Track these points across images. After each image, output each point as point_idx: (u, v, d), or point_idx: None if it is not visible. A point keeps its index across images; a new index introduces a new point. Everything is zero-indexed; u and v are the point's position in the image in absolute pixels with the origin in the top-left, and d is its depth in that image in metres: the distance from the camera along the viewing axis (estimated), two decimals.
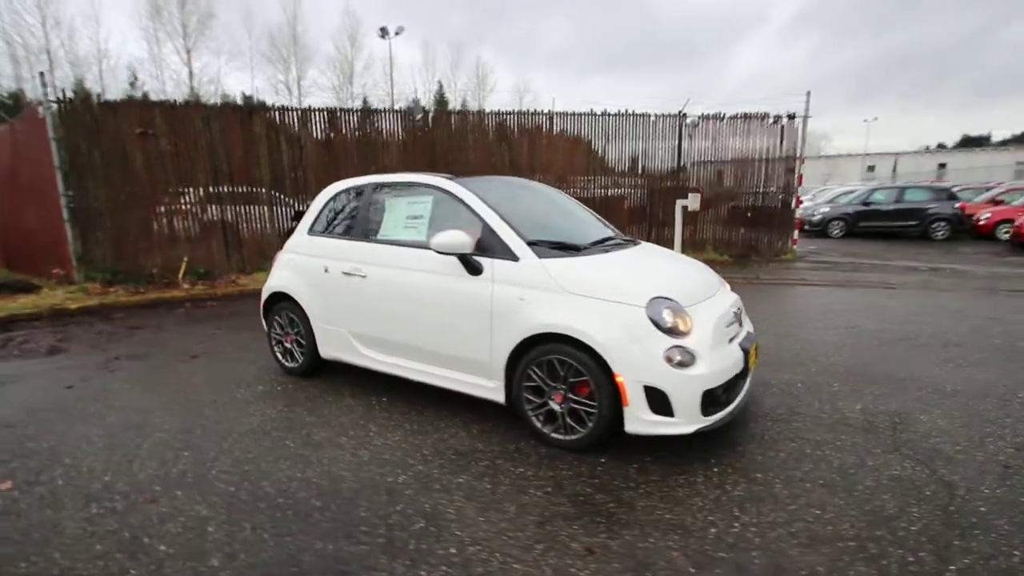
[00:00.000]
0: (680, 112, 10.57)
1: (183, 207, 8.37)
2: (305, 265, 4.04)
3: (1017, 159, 34.77)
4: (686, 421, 2.65)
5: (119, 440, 3.20)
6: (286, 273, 4.18)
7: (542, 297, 2.90)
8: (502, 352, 3.03)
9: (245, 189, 8.79)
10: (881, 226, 14.93)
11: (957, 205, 14.21)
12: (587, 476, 2.68)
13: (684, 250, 8.89)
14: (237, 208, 8.71)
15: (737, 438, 3.03)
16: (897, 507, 2.36)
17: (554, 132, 10.30)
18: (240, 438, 3.19)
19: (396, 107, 10.04)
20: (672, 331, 2.69)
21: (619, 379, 2.66)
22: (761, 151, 10.68)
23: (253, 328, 5.82)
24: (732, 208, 10.95)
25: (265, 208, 8.95)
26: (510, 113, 10.17)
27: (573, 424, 2.88)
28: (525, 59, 68.56)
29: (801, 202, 11.55)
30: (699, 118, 10.62)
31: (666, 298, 2.78)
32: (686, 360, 2.64)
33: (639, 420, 2.68)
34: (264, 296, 4.35)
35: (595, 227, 3.83)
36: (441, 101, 35.74)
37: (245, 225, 8.82)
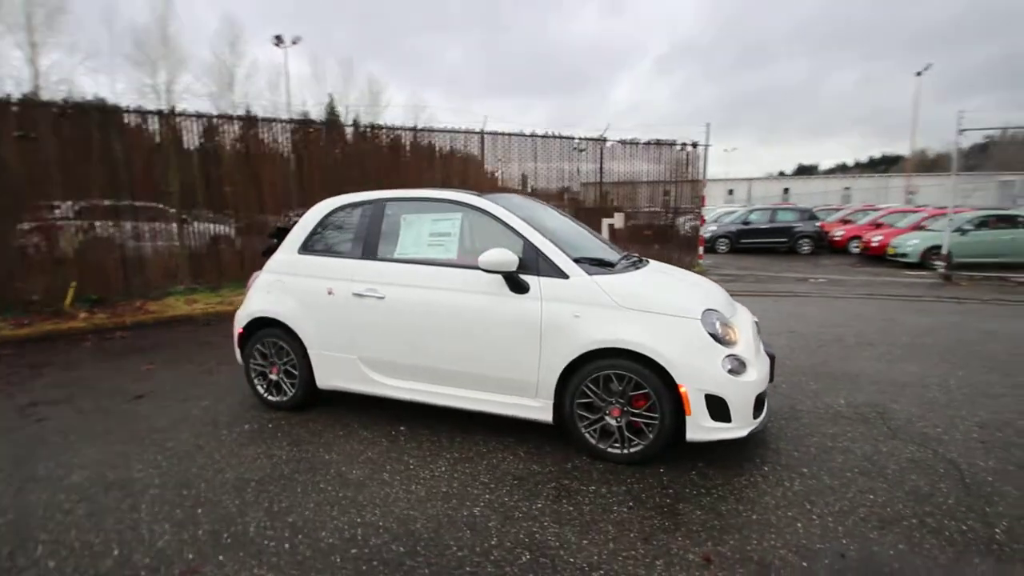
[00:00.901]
0: (601, 136, 11.22)
1: (66, 222, 7.15)
2: (299, 287, 3.68)
3: (844, 185, 41.48)
4: (741, 425, 2.82)
5: (102, 504, 2.66)
6: (273, 296, 3.76)
7: (599, 313, 2.93)
8: (554, 370, 3.00)
9: (147, 203, 7.74)
10: (758, 242, 16.94)
11: (818, 224, 16.60)
12: (659, 487, 2.74)
13: None
14: (139, 224, 7.63)
15: (766, 438, 3.27)
16: (928, 485, 2.71)
17: (484, 152, 10.40)
18: (261, 486, 2.81)
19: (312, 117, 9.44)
20: (724, 341, 2.86)
21: (682, 389, 2.77)
22: (670, 174, 11.65)
23: (197, 360, 5.16)
24: (647, 227, 11.79)
25: (174, 225, 7.95)
26: (441, 131, 10.08)
27: (631, 437, 2.92)
28: (416, 78, 68.47)
29: (705, 221, 12.75)
30: (617, 142, 11.35)
31: (715, 310, 2.96)
32: (738, 368, 2.82)
33: (700, 428, 2.80)
34: (242, 323, 3.87)
35: (602, 244, 3.94)
36: (332, 115, 34.29)
37: (148, 243, 7.76)
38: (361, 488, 2.78)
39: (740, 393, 2.79)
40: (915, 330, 6.10)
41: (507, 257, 2.98)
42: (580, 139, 11.08)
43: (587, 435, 3.00)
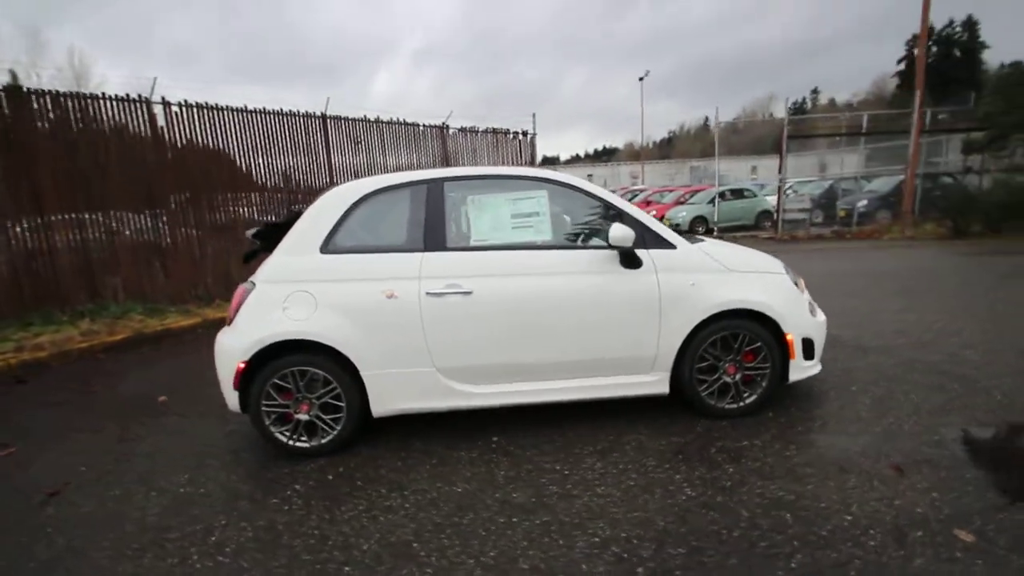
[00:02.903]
0: (444, 124, 11.04)
1: None
2: (338, 295, 2.90)
3: (587, 172, 48.68)
4: (816, 362, 3.30)
5: None
6: (298, 312, 2.88)
7: (711, 278, 3.06)
8: (675, 340, 3.04)
9: None
10: None
11: None
12: (790, 427, 3.03)
13: None
14: None
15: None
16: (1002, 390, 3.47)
17: (329, 138, 9.28)
18: (433, 546, 2.21)
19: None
20: (801, 289, 3.29)
21: (789, 337, 3.11)
22: (508, 162, 12.15)
23: (74, 418, 3.63)
24: None
25: None
26: (275, 114, 8.62)
27: (745, 390, 3.16)
28: (139, 56, 55.70)
29: None
30: (458, 130, 11.32)
31: (785, 265, 3.36)
32: (813, 311, 3.29)
33: (799, 369, 3.19)
34: (246, 355, 2.87)
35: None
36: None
37: None
38: (545, 507, 2.41)
39: (820, 332, 3.26)
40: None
41: (627, 233, 2.88)
42: (424, 126, 10.73)
43: (705, 397, 3.13)
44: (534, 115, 12.53)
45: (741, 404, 3.15)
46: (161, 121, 7.39)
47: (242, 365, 2.88)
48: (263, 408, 2.94)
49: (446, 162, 11.19)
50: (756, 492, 2.43)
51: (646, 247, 3.03)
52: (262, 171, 8.46)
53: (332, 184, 9.39)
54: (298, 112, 8.78)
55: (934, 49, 58.33)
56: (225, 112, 7.91)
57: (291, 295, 2.90)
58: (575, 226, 3.14)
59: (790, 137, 13.03)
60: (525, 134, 12.38)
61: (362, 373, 2.92)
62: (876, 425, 2.99)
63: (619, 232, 2.85)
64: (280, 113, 8.57)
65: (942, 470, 2.51)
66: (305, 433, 2.98)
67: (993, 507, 2.22)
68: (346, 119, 9.45)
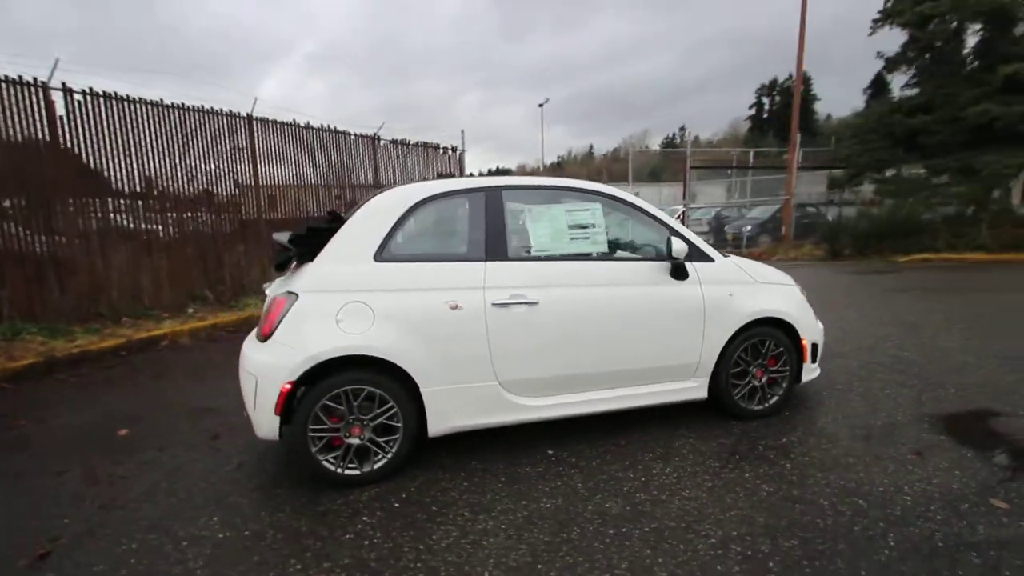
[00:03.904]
0: (375, 135, 10.66)
1: None
2: (398, 307, 2.70)
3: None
4: (817, 365, 3.69)
5: None
6: (356, 325, 2.63)
7: (745, 289, 3.31)
8: (716, 347, 3.23)
9: None
10: None
11: None
12: (825, 426, 3.34)
13: None
14: None
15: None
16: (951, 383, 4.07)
17: (255, 142, 8.53)
18: (546, 564, 2.13)
19: None
20: (807, 300, 3.67)
21: (804, 342, 3.45)
22: (440, 175, 12.02)
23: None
24: None
25: None
26: (199, 111, 7.76)
27: (770, 392, 3.43)
28: None
29: None
30: (389, 142, 11.01)
31: (792, 278, 3.73)
32: (816, 320, 3.68)
33: (809, 371, 3.54)
34: (293, 373, 2.55)
35: None
36: None
37: None
38: (644, 515, 2.43)
39: (821, 338, 3.64)
40: None
41: (684, 246, 3.04)
42: (355, 135, 10.27)
43: (739, 400, 3.35)
44: (463, 132, 12.57)
45: (766, 405, 3.42)
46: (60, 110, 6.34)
47: (288, 386, 2.55)
48: (310, 434, 2.62)
49: (376, 174, 10.80)
50: (822, 483, 2.65)
51: (691, 260, 3.20)
52: (178, 175, 7.54)
53: (258, 192, 8.65)
54: (222, 111, 8.00)
55: (777, 99, 67.91)
56: (138, 105, 6.98)
57: (344, 306, 2.64)
58: (626, 238, 3.23)
59: (693, 167, 14.39)
60: (455, 149, 12.36)
61: (422, 389, 2.73)
62: (876, 418, 3.40)
63: (679, 245, 2.99)
64: (201, 111, 7.73)
65: (949, 452, 2.93)
66: (355, 459, 2.71)
67: (1005, 479, 2.64)
68: (274, 122, 8.78)
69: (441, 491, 2.68)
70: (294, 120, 9.11)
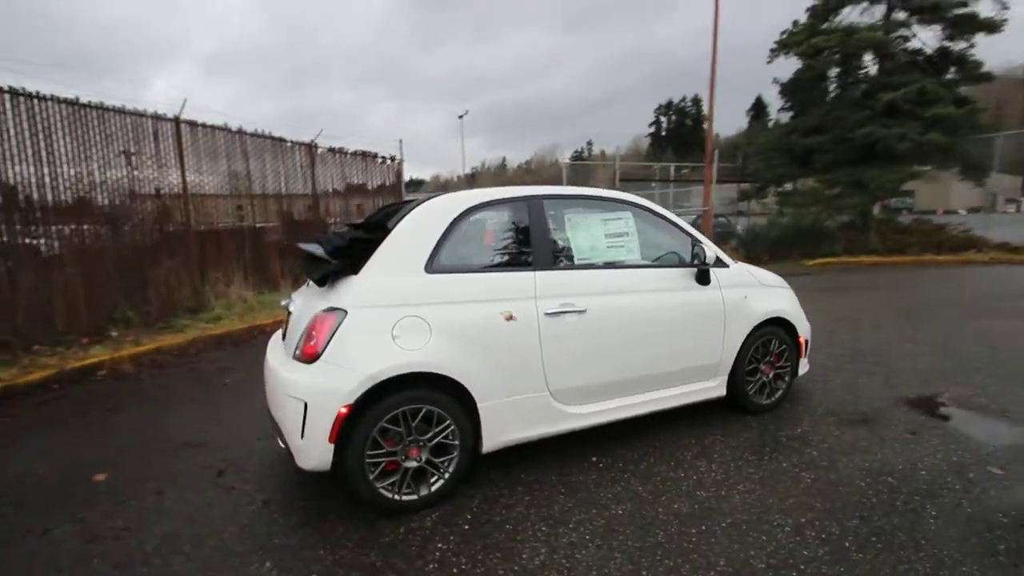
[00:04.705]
0: (312, 142, 10.13)
1: None
2: (454, 319, 2.60)
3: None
4: (807, 360, 4.02)
5: None
6: (413, 340, 2.49)
7: (754, 292, 3.54)
8: (734, 347, 3.42)
9: None
10: None
11: None
12: (826, 415, 3.63)
13: None
14: None
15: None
16: (909, 370, 4.59)
17: (183, 147, 7.79)
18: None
19: None
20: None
21: (801, 339, 3.75)
22: (375, 187, 11.67)
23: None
24: None
25: None
26: (120, 112, 6.94)
27: (776, 387, 3.68)
28: None
29: None
30: (327, 150, 10.51)
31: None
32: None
33: (803, 366, 3.85)
34: (352, 396, 2.37)
35: None
36: None
37: None
38: (714, 511, 2.52)
39: (809, 335, 3.98)
40: None
41: (713, 253, 3.21)
42: (291, 142, 9.70)
43: (752, 395, 3.57)
44: (401, 141, 12.34)
45: (773, 399, 3.66)
46: None
47: (344, 410, 2.36)
48: (367, 460, 2.43)
49: (314, 182, 10.25)
50: (851, 466, 2.89)
51: (713, 266, 3.37)
52: (95, 182, 6.69)
53: (187, 202, 7.87)
54: (146, 112, 7.23)
55: (674, 118, 73.21)
56: (49, 103, 6.12)
57: (400, 321, 2.50)
58: (654, 246, 3.33)
59: (623, 180, 15.11)
60: (393, 159, 12.05)
61: (479, 405, 2.64)
62: (862, 404, 3.77)
63: (708, 253, 3.16)
64: (122, 112, 6.94)
65: (935, 429, 3.32)
66: (410, 484, 2.55)
67: (991, 451, 3.03)
68: (204, 125, 8.08)
69: (505, 508, 2.59)
70: (226, 124, 8.45)
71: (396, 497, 2.51)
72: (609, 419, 3.06)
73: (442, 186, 75.32)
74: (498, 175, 74.64)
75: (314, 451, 2.38)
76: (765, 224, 13.80)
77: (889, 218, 13.38)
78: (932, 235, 12.53)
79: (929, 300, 7.60)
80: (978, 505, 2.49)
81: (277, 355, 2.82)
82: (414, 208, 2.74)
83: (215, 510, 2.66)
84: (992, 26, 12.26)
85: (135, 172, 7.11)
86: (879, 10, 13.70)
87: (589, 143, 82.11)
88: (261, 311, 7.62)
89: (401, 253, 2.62)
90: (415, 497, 2.55)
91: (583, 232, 3.07)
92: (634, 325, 3.05)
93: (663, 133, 71.68)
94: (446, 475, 2.61)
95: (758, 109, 71.87)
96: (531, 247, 2.87)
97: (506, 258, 2.84)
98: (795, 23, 15.33)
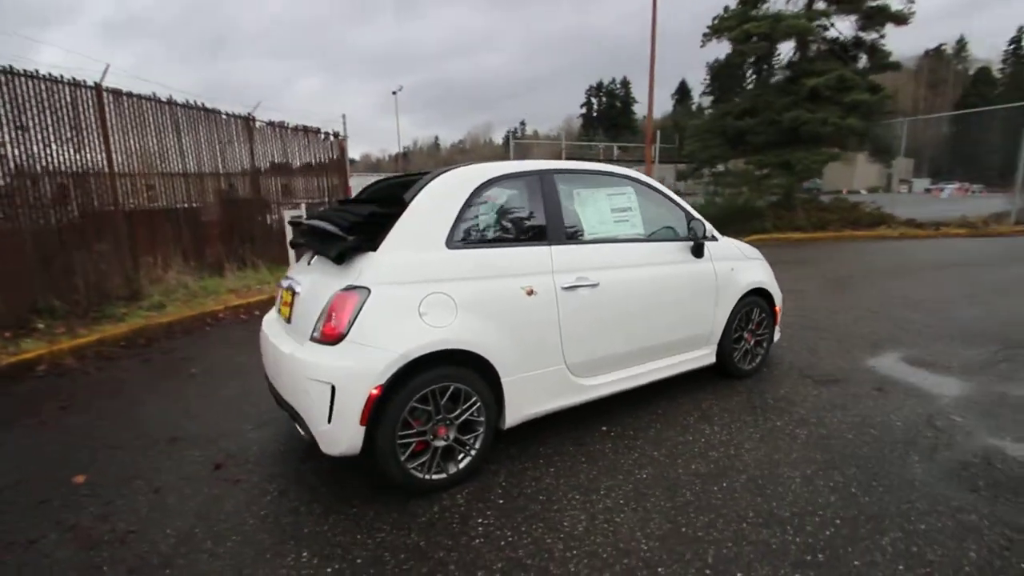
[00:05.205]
0: (250, 115, 9.45)
1: None
2: (478, 294, 2.56)
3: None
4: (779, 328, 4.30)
5: None
6: (440, 317, 2.43)
7: (740, 264, 3.73)
8: (723, 317, 3.60)
9: None
10: None
11: None
12: (800, 376, 3.90)
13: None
14: None
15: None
16: (857, 334, 4.98)
17: (107, 118, 7.03)
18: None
19: None
20: None
21: (777, 308, 4.01)
22: (322, 163, 11.12)
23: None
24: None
25: None
26: (33, 77, 6.14)
27: (757, 353, 3.92)
28: None
29: None
30: (266, 124, 9.86)
31: None
32: None
33: (777, 333, 4.13)
34: (384, 377, 2.29)
35: None
36: None
37: None
38: (730, 469, 2.68)
39: (781, 303, 4.26)
40: None
41: (708, 228, 3.34)
42: (227, 114, 9.00)
43: (738, 361, 3.78)
44: (344, 116, 11.79)
45: (755, 364, 3.91)
46: None
47: (376, 391, 2.28)
48: (399, 441, 2.37)
49: (253, 158, 9.60)
50: (836, 421, 3.16)
51: (706, 240, 3.51)
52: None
53: (114, 180, 7.14)
54: (62, 79, 6.45)
55: (604, 99, 74.51)
56: None
57: (426, 298, 2.43)
58: (653, 220, 3.40)
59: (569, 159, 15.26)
60: (336, 135, 11.50)
61: (503, 380, 2.63)
62: (828, 365, 4.11)
63: (708, 227, 3.29)
64: (35, 77, 6.16)
65: (897, 386, 3.67)
66: (439, 463, 2.52)
67: (947, 402, 3.40)
68: (130, 95, 7.33)
69: (534, 480, 2.62)
70: (154, 94, 7.71)
71: (426, 477, 2.47)
72: (617, 389, 3.15)
73: (373, 166, 72.92)
74: (431, 154, 73.13)
75: (344, 435, 2.29)
76: (702, 203, 14.46)
77: (812, 197, 14.44)
78: (849, 212, 13.66)
79: (856, 271, 8.32)
80: (950, 449, 2.81)
81: (284, 338, 2.66)
82: (429, 182, 2.65)
83: (226, 504, 2.50)
84: (902, 18, 13.38)
85: (52, 146, 6.35)
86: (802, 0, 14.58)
87: (523, 123, 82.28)
88: (206, 298, 7.12)
89: (421, 228, 2.53)
90: (444, 476, 2.52)
91: (591, 207, 3.10)
92: (641, 297, 3.14)
93: (594, 114, 72.94)
94: (472, 452, 2.60)
95: (682, 93, 74.65)
96: (546, 222, 2.86)
97: (523, 233, 2.82)
98: (726, 8, 16.00)
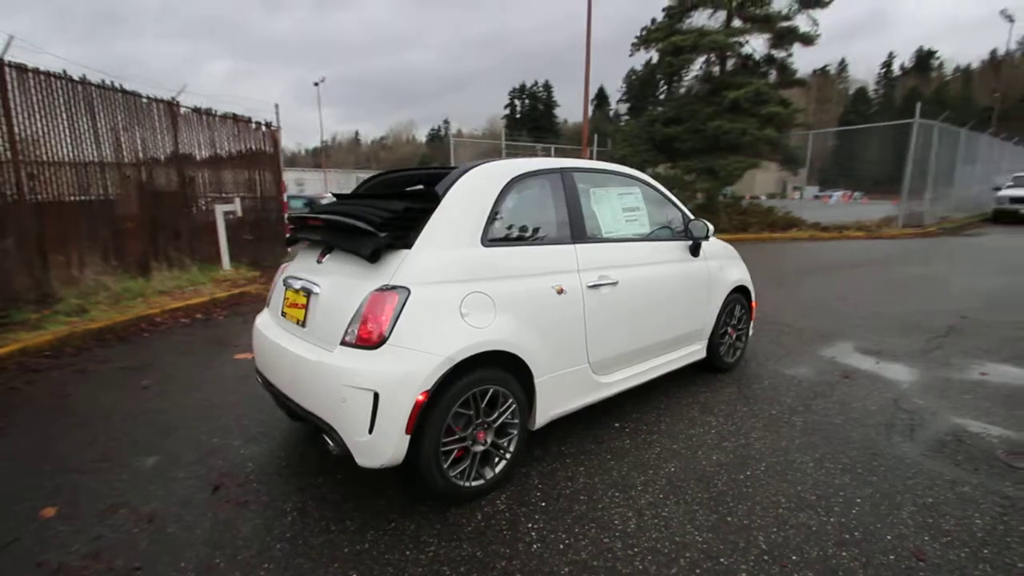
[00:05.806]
0: (174, 99, 8.61)
1: None
2: (513, 294, 2.49)
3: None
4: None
5: None
6: (481, 318, 2.34)
7: (726, 263, 3.92)
8: (714, 313, 3.77)
9: None
10: None
11: None
12: (776, 368, 4.16)
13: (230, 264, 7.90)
14: None
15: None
16: (815, 331, 5.35)
17: (13, 98, 6.13)
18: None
19: None
20: None
21: (754, 303, 4.26)
22: (254, 154, 10.38)
23: None
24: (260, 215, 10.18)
25: None
26: None
27: (739, 347, 4.15)
28: None
29: (288, 207, 11.90)
30: (192, 110, 9.03)
31: None
32: None
33: (752, 326, 4.39)
34: (431, 381, 2.18)
35: None
36: None
37: None
38: (748, 458, 2.81)
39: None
40: None
41: (707, 227, 3.49)
42: (148, 98, 8.14)
43: (724, 355, 3.98)
44: (277, 106, 11.05)
45: (736, 358, 4.13)
46: None
47: (422, 396, 2.16)
48: (442, 448, 2.26)
49: (176, 147, 8.75)
50: (822, 408, 3.41)
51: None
52: None
53: (18, 168, 6.22)
54: None
55: (527, 102, 75.58)
56: None
57: (466, 298, 2.34)
58: (656, 220, 3.49)
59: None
60: (269, 125, 10.77)
61: (536, 380, 2.59)
62: (795, 356, 4.43)
63: (704, 227, 3.43)
64: None
65: (858, 373, 4.03)
66: (476, 469, 2.43)
67: (906, 387, 3.78)
68: (37, 72, 6.43)
69: (568, 480, 2.60)
70: (65, 71, 6.81)
71: (466, 484, 2.38)
72: (628, 386, 3.19)
73: (289, 160, 69.06)
74: (351, 149, 70.57)
75: (387, 446, 2.15)
76: None
77: (733, 202, 15.52)
78: (766, 216, 14.82)
79: (784, 270, 9.05)
80: (924, 429, 3.12)
81: (299, 343, 2.45)
82: (459, 177, 2.54)
83: (242, 529, 2.26)
84: (809, 39, 14.72)
85: None
86: (722, 16, 15.63)
87: (446, 122, 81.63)
88: (133, 300, 6.42)
89: (456, 225, 2.42)
90: (483, 482, 2.44)
91: (606, 206, 3.13)
92: (652, 295, 3.21)
93: (517, 116, 73.76)
94: (507, 456, 2.53)
95: (600, 99, 77.35)
96: (569, 220, 2.85)
97: (549, 231, 2.78)
98: (653, 20, 16.82)
